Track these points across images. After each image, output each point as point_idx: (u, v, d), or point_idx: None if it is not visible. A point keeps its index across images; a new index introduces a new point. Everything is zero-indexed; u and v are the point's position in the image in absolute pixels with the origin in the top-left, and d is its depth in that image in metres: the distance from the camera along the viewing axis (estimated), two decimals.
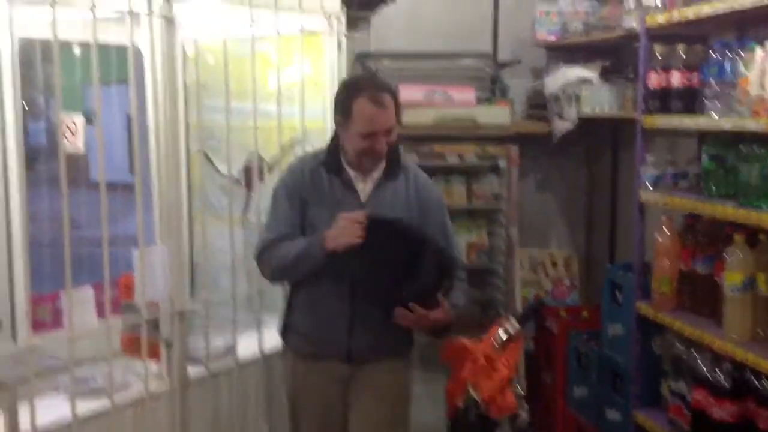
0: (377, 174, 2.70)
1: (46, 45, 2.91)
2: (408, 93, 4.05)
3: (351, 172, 2.69)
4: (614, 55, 4.22)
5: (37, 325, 2.91)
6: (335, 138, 2.73)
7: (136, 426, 2.97)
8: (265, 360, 3.34)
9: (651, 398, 3.37)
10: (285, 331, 2.82)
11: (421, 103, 4.05)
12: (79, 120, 3.11)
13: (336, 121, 2.68)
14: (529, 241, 4.60)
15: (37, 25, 2.76)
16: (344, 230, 2.51)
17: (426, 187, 2.80)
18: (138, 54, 2.86)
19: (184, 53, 3.52)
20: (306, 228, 2.68)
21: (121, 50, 2.81)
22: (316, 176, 2.69)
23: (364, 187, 2.70)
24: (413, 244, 2.55)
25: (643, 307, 3.32)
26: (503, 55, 4.57)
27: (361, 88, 2.61)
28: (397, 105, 2.65)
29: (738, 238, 2.77)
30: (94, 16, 2.54)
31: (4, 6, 2.40)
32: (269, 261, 2.70)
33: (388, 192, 2.71)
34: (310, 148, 3.61)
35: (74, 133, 3.04)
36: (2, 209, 3.04)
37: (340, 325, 2.67)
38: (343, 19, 3.56)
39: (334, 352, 2.70)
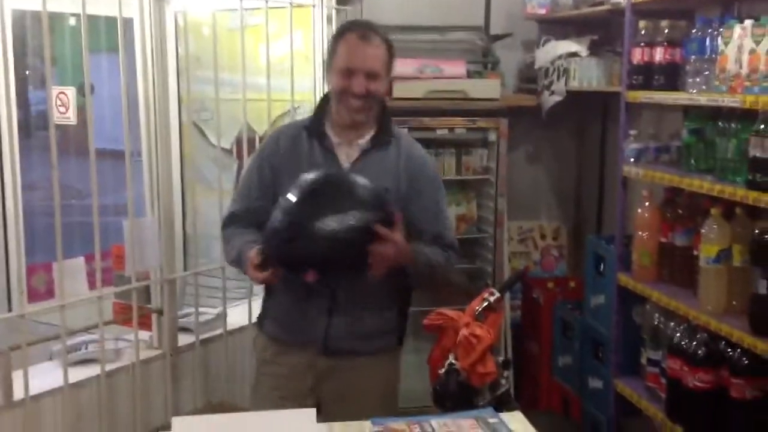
0: (363, 141, 2.46)
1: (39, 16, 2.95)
2: (399, 67, 4.05)
3: (334, 139, 2.46)
4: (603, 29, 4.25)
5: (32, 295, 2.98)
6: (324, 100, 2.52)
7: (128, 392, 3.06)
8: (254, 327, 3.42)
9: (630, 367, 3.46)
10: (262, 316, 2.61)
11: (412, 77, 4.09)
12: (70, 91, 3.16)
13: (327, 70, 2.49)
14: (519, 214, 4.67)
15: None
16: (251, 274, 2.32)
17: (420, 160, 2.54)
18: (128, 25, 2.90)
19: (176, 25, 3.57)
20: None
21: (112, 20, 2.84)
22: (296, 143, 2.46)
23: (348, 155, 2.45)
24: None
25: (624, 279, 3.39)
26: (495, 29, 4.59)
27: (352, 26, 2.45)
28: (391, 55, 2.45)
29: (714, 211, 2.83)
30: None
31: None
32: (224, 243, 2.55)
33: (375, 161, 2.45)
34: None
35: (65, 104, 3.09)
36: None
37: (317, 313, 2.44)
38: None
39: (309, 340, 2.46)
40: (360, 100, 2.37)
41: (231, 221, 2.51)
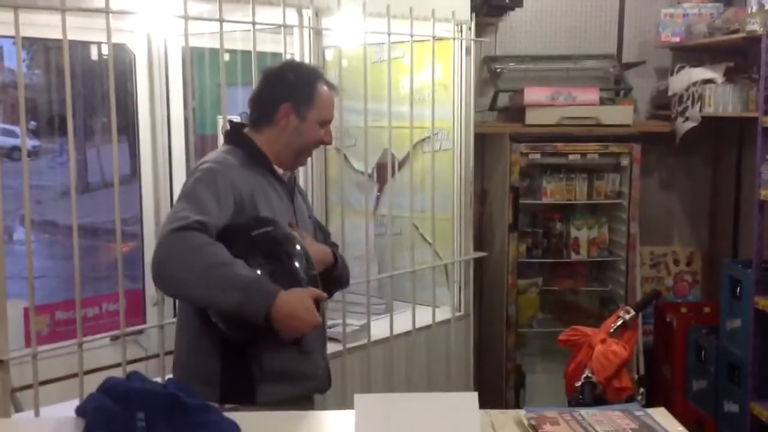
0: (288, 172, 2.41)
1: (212, 52, 3.29)
2: (533, 94, 4.25)
3: (278, 170, 2.35)
4: (739, 56, 4.27)
5: None
6: (247, 139, 2.32)
7: None
8: (394, 339, 3.62)
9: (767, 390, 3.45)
10: (250, 386, 2.19)
11: (545, 104, 4.23)
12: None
13: (283, 114, 2.29)
14: (651, 239, 4.70)
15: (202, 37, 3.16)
16: (303, 317, 2.03)
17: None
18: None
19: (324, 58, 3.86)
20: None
21: (278, 56, 3.13)
22: (253, 179, 2.25)
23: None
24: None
25: (762, 302, 3.40)
26: (628, 57, 4.70)
27: (316, 75, 2.37)
28: None
29: None
30: (254, 28, 2.88)
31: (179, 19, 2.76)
32: (191, 252, 1.98)
33: (298, 189, 2.50)
34: (438, 146, 3.88)
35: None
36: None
37: (318, 347, 2.35)
38: (472, 26, 3.79)
39: (315, 384, 2.35)
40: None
41: (192, 227, 2.02)
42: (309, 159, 2.65)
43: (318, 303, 2.08)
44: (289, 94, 2.29)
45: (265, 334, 2.05)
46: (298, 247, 2.17)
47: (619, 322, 2.94)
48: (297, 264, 2.13)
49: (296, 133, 2.30)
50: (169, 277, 2.01)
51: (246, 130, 2.35)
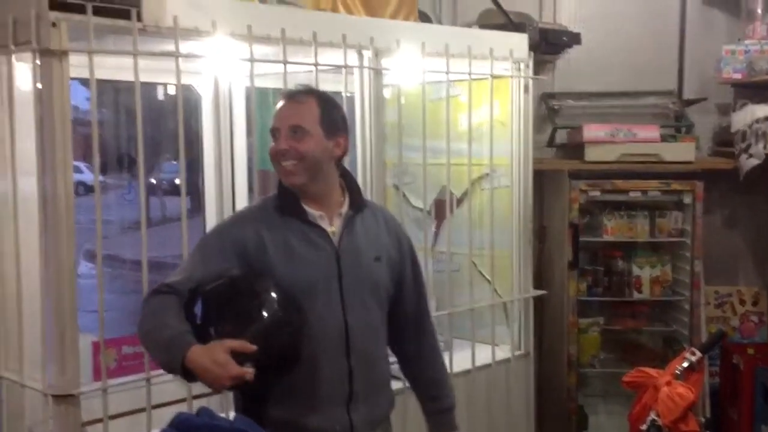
0: (344, 209, 2.24)
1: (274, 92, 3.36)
2: (592, 131, 4.23)
3: (314, 212, 2.20)
4: None
5: None
6: (279, 184, 2.25)
7: None
8: (454, 377, 3.59)
9: None
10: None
11: (605, 140, 4.21)
12: None
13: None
14: (716, 278, 4.61)
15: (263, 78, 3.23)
16: (213, 370, 1.92)
17: (395, 220, 2.43)
18: (349, 100, 3.24)
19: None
20: None
21: (336, 96, 3.18)
22: (273, 229, 2.16)
23: (333, 228, 2.21)
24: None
25: None
26: (688, 93, 4.65)
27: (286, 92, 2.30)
28: (325, 111, 2.17)
29: None
30: (317, 69, 2.93)
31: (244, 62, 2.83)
32: (146, 317, 2.06)
33: (360, 227, 2.26)
34: (496, 183, 3.88)
35: None
36: None
37: (338, 400, 2.20)
38: (531, 64, 3.80)
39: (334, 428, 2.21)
40: (291, 160, 2.13)
41: (160, 291, 2.09)
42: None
43: (246, 354, 1.94)
44: None
45: (272, 382, 2.08)
46: (251, 294, 2.08)
47: (685, 364, 2.89)
48: (237, 314, 2.05)
49: None
50: (139, 340, 2.12)
51: None
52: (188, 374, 1.94)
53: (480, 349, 3.64)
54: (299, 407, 2.17)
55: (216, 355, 1.92)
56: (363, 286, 2.24)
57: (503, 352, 3.78)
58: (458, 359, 3.56)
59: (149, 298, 2.08)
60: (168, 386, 2.88)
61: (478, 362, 3.60)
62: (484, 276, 3.90)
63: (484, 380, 3.66)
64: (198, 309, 2.11)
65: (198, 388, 2.30)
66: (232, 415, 2.12)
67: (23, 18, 2.36)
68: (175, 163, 14.06)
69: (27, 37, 2.34)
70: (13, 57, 2.48)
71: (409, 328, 2.39)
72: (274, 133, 2.16)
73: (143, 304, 2.09)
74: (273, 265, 2.12)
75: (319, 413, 2.18)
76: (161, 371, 2.27)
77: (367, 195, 3.30)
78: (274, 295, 2.08)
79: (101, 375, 2.56)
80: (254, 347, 1.96)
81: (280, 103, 2.20)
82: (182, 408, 2.47)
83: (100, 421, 2.53)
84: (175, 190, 12.72)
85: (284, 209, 2.18)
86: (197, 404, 2.32)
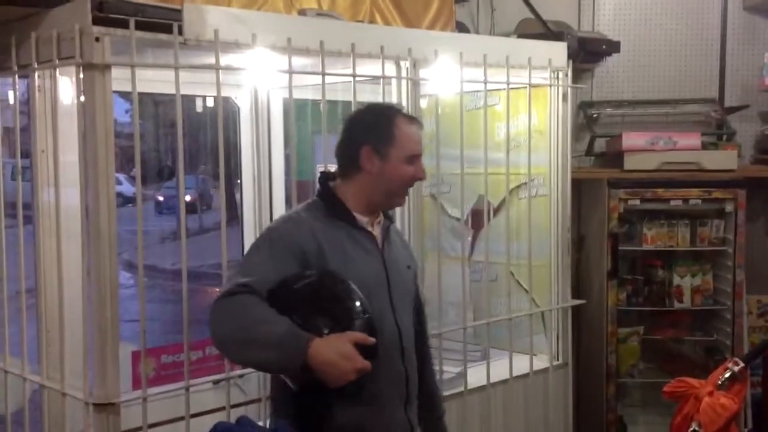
0: (382, 219, 2.31)
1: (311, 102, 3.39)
2: (631, 139, 4.19)
3: (362, 218, 2.25)
4: None
5: None
6: (327, 191, 2.27)
7: None
8: (491, 387, 3.57)
9: None
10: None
11: (645, 149, 4.16)
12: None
13: (366, 158, 2.20)
14: (758, 287, 4.53)
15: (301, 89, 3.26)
16: (340, 363, 1.92)
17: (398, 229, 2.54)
18: None
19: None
20: None
21: None
22: (328, 233, 2.18)
23: (377, 235, 2.28)
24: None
25: None
26: (730, 101, 4.59)
27: (393, 111, 2.28)
28: None
29: None
30: (354, 80, 2.95)
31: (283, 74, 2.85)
32: (232, 317, 1.99)
33: (395, 237, 2.37)
34: (534, 192, 3.86)
35: None
36: None
37: (396, 401, 2.24)
38: (569, 72, 3.78)
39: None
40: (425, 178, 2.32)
41: (236, 292, 2.04)
42: (406, 202, 2.62)
43: (369, 347, 1.97)
44: (366, 137, 2.21)
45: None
46: (345, 292, 2.08)
47: (727, 374, 2.84)
48: (339, 310, 2.04)
49: (381, 175, 2.21)
50: (220, 343, 2.03)
51: (336, 180, 2.29)
52: (304, 369, 1.90)
53: (518, 359, 3.62)
54: (361, 411, 2.16)
55: (342, 347, 1.91)
56: (404, 291, 2.32)
57: (541, 362, 3.75)
58: (496, 369, 3.55)
59: (226, 299, 2.00)
60: (207, 395, 2.92)
61: (516, 372, 3.58)
62: (521, 285, 3.88)
63: (522, 390, 3.64)
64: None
65: (234, 397, 2.30)
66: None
67: (67, 33, 2.41)
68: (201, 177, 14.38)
69: (70, 52, 2.38)
70: (57, 71, 2.52)
71: (417, 339, 2.41)
72: (413, 159, 2.22)
73: (216, 305, 2.01)
74: (332, 268, 2.12)
75: (379, 416, 2.20)
76: (200, 380, 2.29)
77: (406, 207, 3.31)
78: (360, 293, 2.09)
79: (141, 384, 2.59)
80: (374, 339, 1.97)
81: (414, 128, 2.25)
82: (221, 417, 2.49)
83: (139, 429, 2.56)
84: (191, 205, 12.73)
85: (335, 214, 2.21)
86: (235, 413, 2.34)
